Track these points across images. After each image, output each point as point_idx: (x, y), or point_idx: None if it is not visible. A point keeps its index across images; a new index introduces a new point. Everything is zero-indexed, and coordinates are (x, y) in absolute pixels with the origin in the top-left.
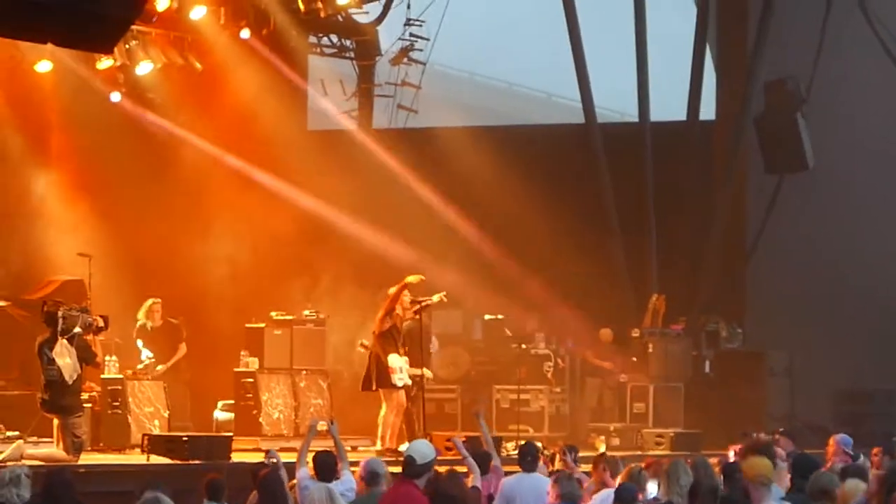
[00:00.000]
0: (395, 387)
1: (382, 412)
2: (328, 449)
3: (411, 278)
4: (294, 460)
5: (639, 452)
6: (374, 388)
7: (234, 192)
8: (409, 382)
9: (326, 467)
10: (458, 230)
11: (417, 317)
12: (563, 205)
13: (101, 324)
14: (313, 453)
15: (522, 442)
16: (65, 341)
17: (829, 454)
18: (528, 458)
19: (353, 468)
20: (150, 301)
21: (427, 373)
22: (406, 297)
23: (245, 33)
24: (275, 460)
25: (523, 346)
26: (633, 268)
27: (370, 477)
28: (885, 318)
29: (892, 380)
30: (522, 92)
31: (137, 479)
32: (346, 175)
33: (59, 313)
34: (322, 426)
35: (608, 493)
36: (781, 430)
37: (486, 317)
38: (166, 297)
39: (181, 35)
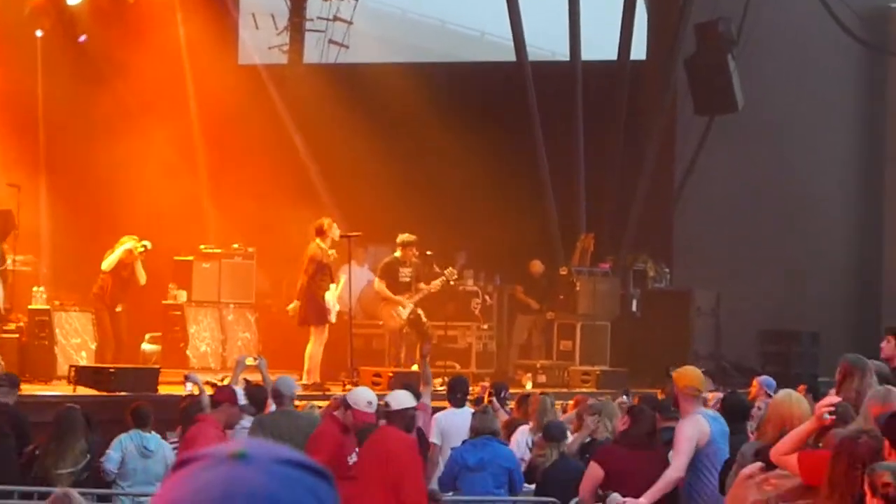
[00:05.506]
0: (328, 321)
1: (309, 347)
2: (258, 382)
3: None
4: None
5: (565, 390)
6: (311, 322)
7: (165, 126)
8: (334, 319)
9: (256, 400)
10: (386, 166)
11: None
12: (493, 142)
13: None
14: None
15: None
16: None
17: (752, 395)
18: (457, 395)
19: None
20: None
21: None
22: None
23: None
24: (195, 383)
25: (451, 282)
26: (561, 206)
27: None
28: (810, 259)
29: (817, 320)
30: (455, 30)
31: None
32: (277, 109)
33: None
34: (250, 361)
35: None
36: (703, 370)
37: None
38: (96, 228)
39: None
